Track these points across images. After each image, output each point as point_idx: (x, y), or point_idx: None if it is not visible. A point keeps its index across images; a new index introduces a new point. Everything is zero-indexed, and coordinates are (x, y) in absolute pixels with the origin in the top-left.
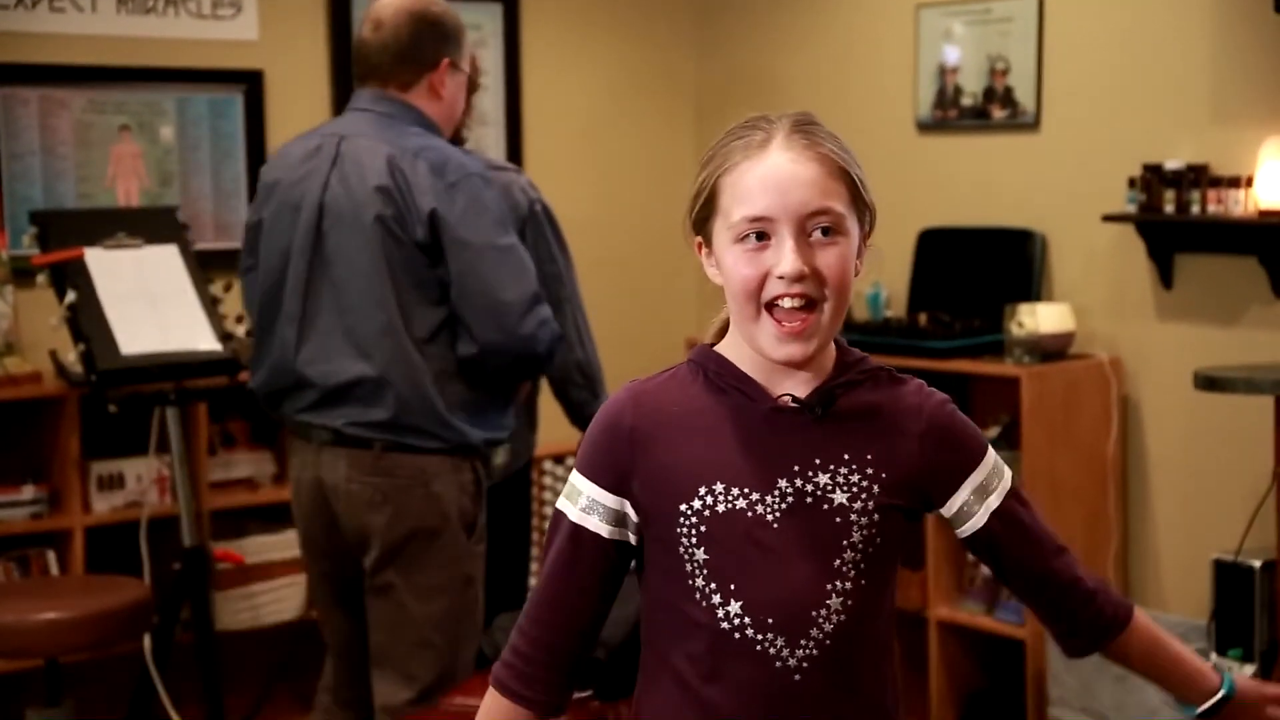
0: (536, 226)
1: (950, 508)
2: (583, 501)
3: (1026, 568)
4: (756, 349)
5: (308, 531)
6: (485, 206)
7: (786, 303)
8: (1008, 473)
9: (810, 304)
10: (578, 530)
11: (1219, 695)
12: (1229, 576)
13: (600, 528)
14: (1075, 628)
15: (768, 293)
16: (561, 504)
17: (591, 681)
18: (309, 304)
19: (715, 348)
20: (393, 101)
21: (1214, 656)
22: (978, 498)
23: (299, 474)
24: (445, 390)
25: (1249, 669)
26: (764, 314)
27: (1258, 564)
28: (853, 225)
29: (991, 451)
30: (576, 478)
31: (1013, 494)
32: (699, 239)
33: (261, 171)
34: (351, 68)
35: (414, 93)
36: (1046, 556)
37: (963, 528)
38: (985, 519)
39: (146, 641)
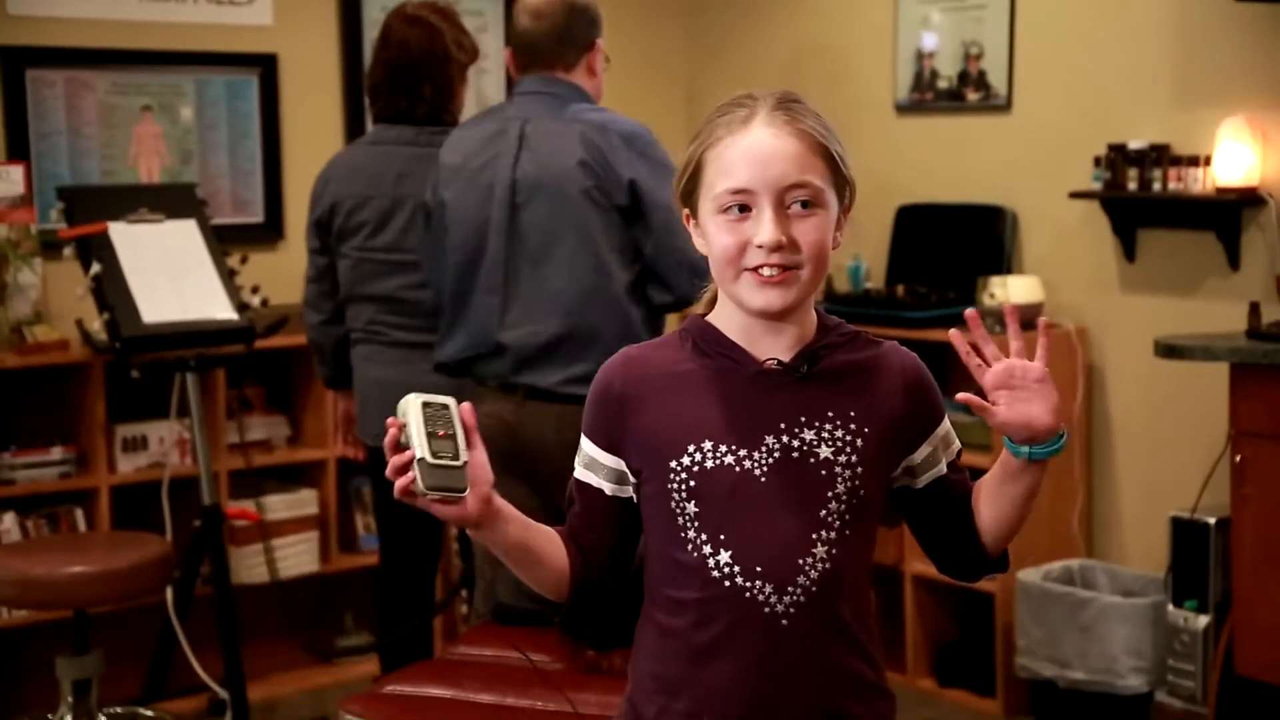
0: None
1: (919, 455)
2: (584, 459)
3: (959, 513)
4: (739, 303)
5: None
6: (669, 168)
7: (765, 271)
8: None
9: (787, 270)
10: (582, 486)
11: (1013, 452)
12: (1186, 532)
13: (602, 484)
14: (974, 556)
15: (747, 261)
16: (576, 462)
17: (586, 632)
18: (509, 274)
19: (706, 318)
20: (559, 82)
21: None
22: (942, 447)
23: (489, 409)
24: (649, 335)
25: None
26: (744, 273)
27: (1212, 521)
28: (831, 198)
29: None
30: (582, 438)
31: (960, 452)
32: (687, 211)
33: (440, 155)
34: (517, 57)
35: (575, 73)
36: (970, 507)
37: (926, 474)
38: (945, 468)
39: (169, 594)
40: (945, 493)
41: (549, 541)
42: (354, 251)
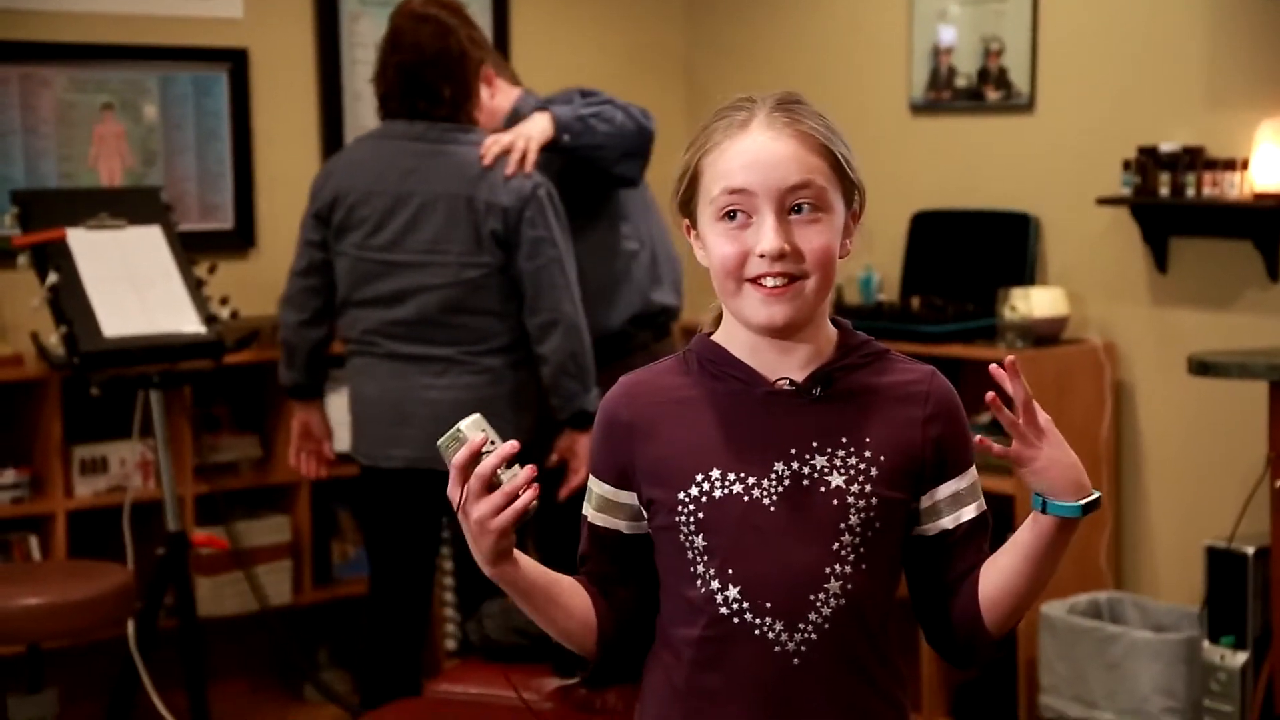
0: (538, 209)
1: (925, 501)
2: (597, 502)
3: (951, 584)
4: (742, 319)
5: None
6: None
7: (768, 281)
8: (982, 498)
9: (792, 280)
10: (595, 530)
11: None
12: (1222, 563)
13: (619, 525)
14: (955, 643)
15: (748, 271)
16: (585, 507)
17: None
18: None
19: (712, 336)
20: None
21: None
22: (951, 505)
23: None
24: None
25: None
26: (746, 284)
27: (1251, 550)
28: (837, 202)
29: (975, 469)
30: (590, 479)
31: (982, 519)
32: (686, 220)
33: None
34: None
35: None
36: (972, 582)
37: (927, 525)
38: (952, 526)
39: (130, 627)
40: (941, 558)
41: (572, 587)
42: (352, 249)
